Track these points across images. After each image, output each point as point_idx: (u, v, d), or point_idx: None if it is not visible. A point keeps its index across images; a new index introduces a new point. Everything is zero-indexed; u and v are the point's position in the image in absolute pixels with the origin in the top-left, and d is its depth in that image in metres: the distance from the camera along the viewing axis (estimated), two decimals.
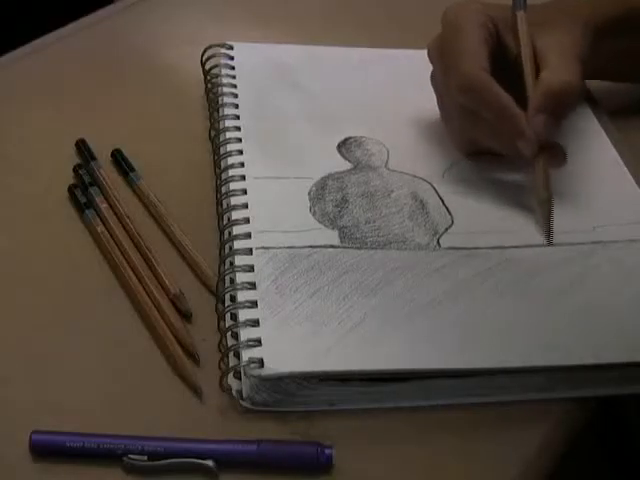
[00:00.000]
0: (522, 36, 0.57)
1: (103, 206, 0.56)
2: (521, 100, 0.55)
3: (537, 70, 0.56)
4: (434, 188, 0.57)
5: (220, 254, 0.52)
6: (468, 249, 0.52)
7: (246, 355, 0.45)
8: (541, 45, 0.56)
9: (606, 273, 0.51)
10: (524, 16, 0.58)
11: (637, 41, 0.62)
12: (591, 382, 0.47)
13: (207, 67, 0.66)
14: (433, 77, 0.60)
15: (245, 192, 0.55)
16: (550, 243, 0.53)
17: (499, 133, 0.55)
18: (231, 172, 0.57)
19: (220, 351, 0.47)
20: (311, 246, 0.52)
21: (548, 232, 0.53)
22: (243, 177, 0.56)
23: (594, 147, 0.61)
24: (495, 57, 0.56)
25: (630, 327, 0.48)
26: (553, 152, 0.55)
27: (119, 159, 0.60)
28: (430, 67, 0.60)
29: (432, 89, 0.60)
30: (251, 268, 0.50)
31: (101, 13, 0.77)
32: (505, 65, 0.57)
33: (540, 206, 0.54)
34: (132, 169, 0.59)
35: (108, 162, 0.60)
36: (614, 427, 0.58)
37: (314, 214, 0.54)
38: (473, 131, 0.58)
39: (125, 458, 0.43)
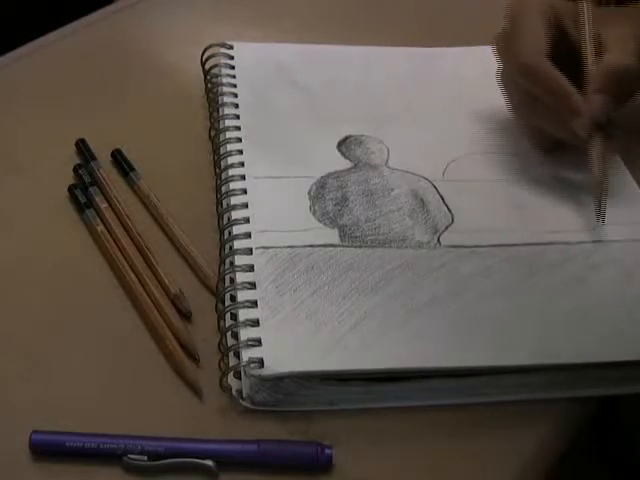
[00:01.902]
0: (586, 21, 0.58)
1: (103, 206, 0.56)
2: (581, 88, 0.55)
3: (598, 56, 0.57)
4: (434, 186, 0.57)
5: (220, 254, 0.52)
6: (468, 247, 0.52)
7: (246, 355, 0.45)
8: (604, 34, 0.57)
9: (606, 272, 0.51)
10: (589, 5, 0.58)
11: None
12: (591, 382, 0.47)
13: (207, 67, 0.66)
14: (499, 72, 0.61)
15: (245, 192, 0.55)
16: (602, 223, 0.53)
17: (556, 115, 0.56)
18: (231, 172, 0.57)
19: (220, 351, 0.47)
20: (311, 245, 0.52)
21: (600, 213, 0.53)
22: (243, 177, 0.56)
23: None
24: (556, 46, 0.57)
25: (630, 326, 0.48)
26: (609, 135, 0.55)
27: (119, 159, 0.60)
28: (426, 65, 0.60)
29: (432, 88, 0.60)
30: (251, 268, 0.50)
31: (101, 13, 0.77)
32: (567, 54, 0.58)
33: (594, 187, 0.54)
34: (132, 169, 0.59)
35: (108, 162, 0.60)
36: (614, 427, 0.57)
37: (314, 213, 0.54)
38: (535, 117, 0.58)
39: (125, 458, 0.43)
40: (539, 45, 0.57)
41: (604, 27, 0.58)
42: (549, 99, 0.56)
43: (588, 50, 0.57)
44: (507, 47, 0.59)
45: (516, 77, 0.58)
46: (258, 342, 0.46)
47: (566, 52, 0.58)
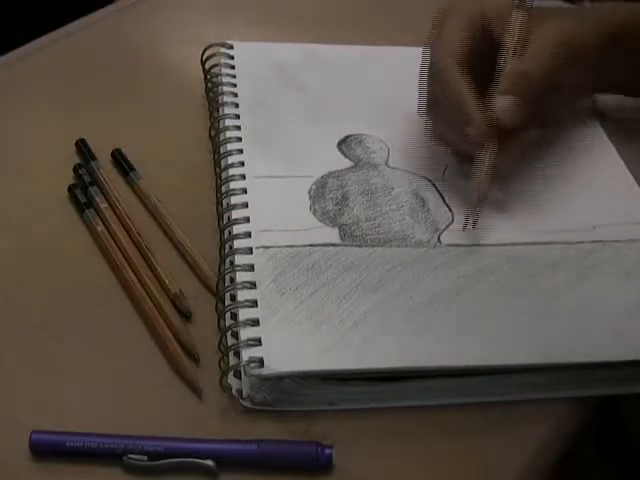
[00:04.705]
0: (513, 26, 0.55)
1: (103, 206, 0.56)
2: None
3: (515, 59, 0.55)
4: (435, 185, 0.57)
5: (220, 253, 0.52)
6: (469, 246, 0.52)
7: (246, 354, 0.45)
8: (531, 37, 0.55)
9: (606, 272, 0.51)
10: (522, 10, 0.56)
11: None
12: (591, 382, 0.47)
13: (207, 67, 0.66)
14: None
15: (245, 191, 0.55)
16: (474, 227, 0.53)
17: (454, 122, 0.54)
18: (231, 171, 0.57)
19: (220, 350, 0.47)
20: (311, 245, 0.52)
21: (472, 219, 0.53)
22: (243, 176, 0.56)
23: (594, 146, 0.61)
24: (484, 51, 0.55)
25: (630, 326, 0.48)
26: (505, 147, 0.54)
27: (119, 159, 0.60)
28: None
29: None
30: (251, 267, 0.50)
31: (101, 13, 0.77)
32: (492, 60, 0.56)
33: (472, 193, 0.53)
34: (132, 169, 0.59)
35: (108, 162, 0.60)
36: (614, 427, 0.57)
37: (314, 212, 0.54)
38: (438, 124, 0.57)
39: (125, 458, 0.43)
40: (452, 48, 0.55)
41: (531, 31, 0.56)
42: (447, 104, 0.54)
43: (507, 54, 0.55)
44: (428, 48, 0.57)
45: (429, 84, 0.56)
46: (258, 342, 0.46)
47: (492, 57, 0.56)
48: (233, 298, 0.49)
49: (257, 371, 0.45)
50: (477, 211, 0.53)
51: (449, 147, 0.58)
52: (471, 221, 0.53)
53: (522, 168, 0.58)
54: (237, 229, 0.52)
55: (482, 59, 0.56)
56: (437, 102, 0.56)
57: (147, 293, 0.51)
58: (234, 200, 0.55)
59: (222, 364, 0.47)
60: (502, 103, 0.53)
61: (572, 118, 0.62)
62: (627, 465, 0.62)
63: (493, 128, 0.53)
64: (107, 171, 0.59)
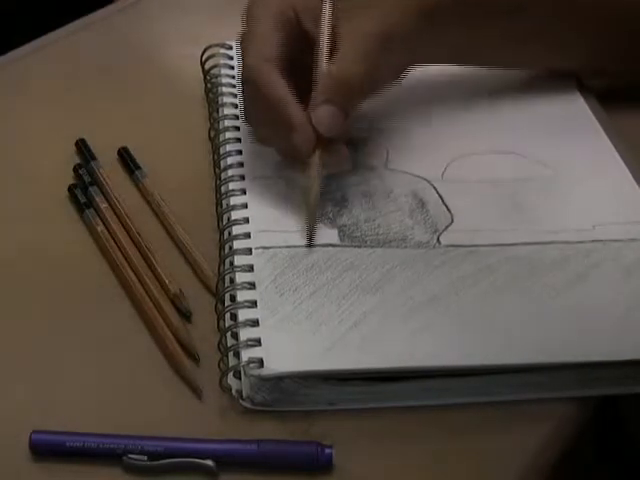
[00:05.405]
0: (324, 20, 0.53)
1: (103, 206, 0.56)
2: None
3: (330, 60, 0.52)
4: (434, 187, 0.57)
5: (220, 254, 0.52)
6: (468, 247, 0.52)
7: (246, 355, 0.45)
8: (341, 33, 0.52)
9: (606, 272, 0.51)
10: (329, 3, 0.54)
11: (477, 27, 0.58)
12: (591, 382, 0.46)
13: (207, 67, 0.66)
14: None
15: (244, 192, 0.55)
16: (310, 245, 0.51)
17: (277, 129, 0.52)
18: (230, 172, 0.57)
19: (220, 351, 0.47)
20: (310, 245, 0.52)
21: (310, 237, 0.51)
22: (242, 177, 0.56)
23: (594, 146, 0.61)
24: (299, 47, 0.53)
25: (630, 325, 0.48)
26: (334, 151, 0.52)
27: (125, 157, 0.60)
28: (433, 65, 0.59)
29: (431, 87, 0.60)
30: (251, 268, 0.50)
31: (101, 13, 0.77)
32: (311, 58, 0.53)
33: (306, 207, 0.51)
34: (138, 167, 0.59)
35: (110, 161, 0.60)
36: (614, 427, 0.57)
37: None
38: (261, 128, 0.55)
39: (125, 458, 0.43)
40: (266, 50, 0.52)
41: (342, 25, 0.53)
42: (269, 112, 0.51)
43: (320, 54, 0.52)
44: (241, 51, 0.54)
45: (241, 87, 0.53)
46: (258, 342, 0.46)
47: (309, 55, 0.53)
48: (233, 299, 0.49)
49: (257, 371, 0.45)
50: (312, 226, 0.51)
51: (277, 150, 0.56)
52: (308, 238, 0.51)
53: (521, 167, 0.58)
54: (236, 230, 0.53)
55: (299, 57, 0.53)
56: (257, 106, 0.53)
57: (147, 293, 0.51)
58: (233, 201, 0.55)
59: (222, 364, 0.47)
60: (321, 114, 0.51)
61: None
62: (627, 465, 0.62)
63: (319, 135, 0.51)
64: (108, 170, 0.59)
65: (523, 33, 0.59)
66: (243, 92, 0.54)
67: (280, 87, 0.51)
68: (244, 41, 0.54)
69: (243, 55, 0.53)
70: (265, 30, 0.53)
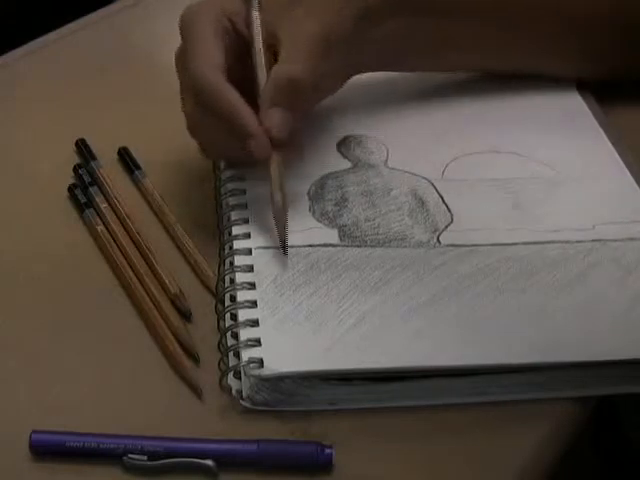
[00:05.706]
0: (254, 25, 0.53)
1: (103, 206, 0.56)
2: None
3: (272, 63, 0.52)
4: (434, 186, 0.57)
5: (220, 254, 0.52)
6: (468, 246, 0.52)
7: (246, 355, 0.45)
8: (280, 34, 0.53)
9: (606, 271, 0.51)
10: (257, 5, 0.54)
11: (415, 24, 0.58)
12: (591, 381, 0.46)
13: None
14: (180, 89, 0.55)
15: (244, 192, 0.55)
16: (285, 253, 0.50)
17: (232, 137, 0.51)
18: (230, 172, 0.57)
19: (220, 351, 0.47)
20: (310, 245, 0.52)
21: (283, 241, 0.50)
22: (242, 177, 0.56)
23: (593, 146, 0.61)
24: (237, 53, 0.53)
25: (630, 325, 0.48)
26: (288, 149, 0.52)
27: (126, 157, 0.60)
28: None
29: (431, 88, 0.60)
30: (251, 268, 0.50)
31: (101, 12, 0.77)
32: (249, 60, 0.54)
33: (274, 212, 0.51)
34: (138, 167, 0.59)
35: (110, 161, 0.60)
36: (613, 427, 0.58)
37: (313, 213, 0.54)
38: (213, 141, 0.54)
39: (125, 458, 0.43)
40: (210, 58, 0.51)
41: (281, 27, 0.53)
42: (222, 120, 0.51)
43: (257, 60, 0.53)
44: (183, 63, 0.54)
45: (190, 98, 0.53)
46: (258, 342, 0.46)
47: (248, 60, 0.53)
48: (233, 299, 0.49)
49: (257, 371, 0.45)
50: (283, 232, 0.50)
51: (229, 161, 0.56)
52: (285, 246, 0.50)
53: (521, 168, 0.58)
54: (236, 230, 0.53)
55: (238, 62, 0.53)
56: (206, 115, 0.52)
57: (147, 293, 0.51)
58: (233, 201, 0.55)
59: (222, 365, 0.47)
60: (272, 118, 0.51)
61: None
62: (626, 466, 0.62)
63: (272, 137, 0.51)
64: (108, 170, 0.59)
65: (461, 36, 0.60)
66: (186, 105, 0.54)
67: (230, 93, 0.51)
68: (186, 52, 0.53)
69: (188, 65, 0.52)
70: (206, 38, 0.52)
